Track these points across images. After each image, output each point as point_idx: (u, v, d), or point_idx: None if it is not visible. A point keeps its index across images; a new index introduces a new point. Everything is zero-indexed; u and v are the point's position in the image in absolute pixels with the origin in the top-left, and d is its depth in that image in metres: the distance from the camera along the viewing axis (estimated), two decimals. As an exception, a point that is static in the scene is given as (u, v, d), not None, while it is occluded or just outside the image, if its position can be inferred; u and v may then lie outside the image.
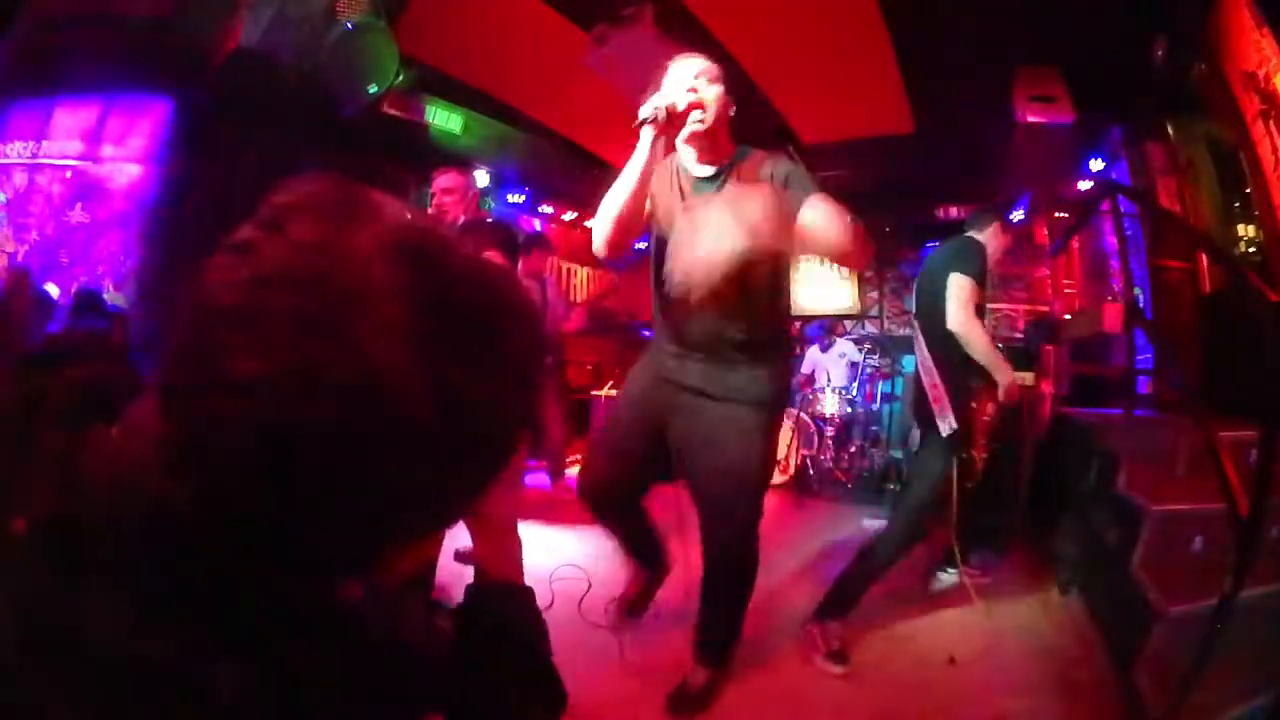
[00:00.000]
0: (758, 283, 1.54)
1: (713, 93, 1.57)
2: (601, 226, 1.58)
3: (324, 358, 0.31)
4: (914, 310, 2.35)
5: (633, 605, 2.13)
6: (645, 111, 1.46)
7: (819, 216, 1.45)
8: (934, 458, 2.18)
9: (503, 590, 0.57)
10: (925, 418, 2.20)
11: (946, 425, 2.07)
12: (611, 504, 1.88)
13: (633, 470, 1.82)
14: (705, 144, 1.60)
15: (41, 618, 0.31)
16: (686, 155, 1.64)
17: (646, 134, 1.47)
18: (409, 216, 0.37)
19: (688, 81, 1.54)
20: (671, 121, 1.48)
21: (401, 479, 0.34)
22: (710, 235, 1.33)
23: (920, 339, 2.24)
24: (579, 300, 6.37)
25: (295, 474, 0.31)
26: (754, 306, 1.60)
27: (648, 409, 1.77)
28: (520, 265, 3.65)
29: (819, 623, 2.08)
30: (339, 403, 0.31)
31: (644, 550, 2.03)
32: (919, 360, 2.24)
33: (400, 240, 0.34)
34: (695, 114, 1.51)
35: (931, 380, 2.13)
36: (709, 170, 1.63)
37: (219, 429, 0.31)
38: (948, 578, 2.70)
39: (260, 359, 0.30)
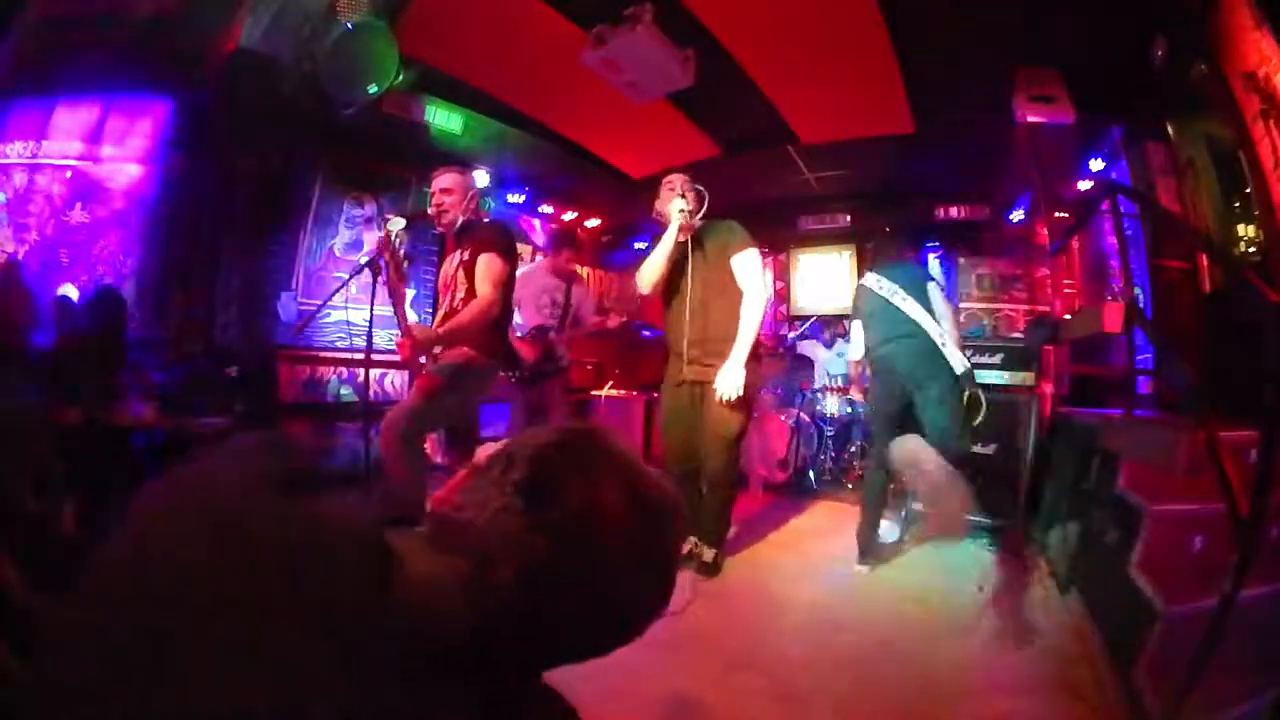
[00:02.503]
0: (717, 304, 2.68)
1: (697, 201, 2.76)
2: (648, 281, 2.73)
3: (582, 570, 0.54)
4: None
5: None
6: (681, 212, 2.65)
7: (741, 269, 2.69)
8: (954, 394, 2.64)
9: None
10: (932, 370, 2.65)
11: (961, 362, 2.64)
12: (681, 478, 2.73)
13: (690, 453, 2.75)
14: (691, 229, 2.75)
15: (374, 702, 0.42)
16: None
17: (676, 225, 2.64)
18: (631, 459, 0.60)
19: (684, 199, 2.69)
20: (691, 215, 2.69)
21: (614, 628, 0.58)
22: (687, 279, 2.72)
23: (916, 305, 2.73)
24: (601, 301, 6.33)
25: (553, 627, 0.54)
26: (717, 322, 2.67)
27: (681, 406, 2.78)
28: (549, 264, 3.64)
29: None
30: (589, 593, 0.55)
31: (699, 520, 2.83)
32: (922, 320, 2.69)
33: (632, 491, 0.57)
34: (693, 218, 2.71)
35: (940, 331, 2.66)
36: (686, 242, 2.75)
37: (510, 600, 0.52)
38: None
39: (543, 573, 0.52)
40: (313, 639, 0.40)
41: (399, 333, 2.30)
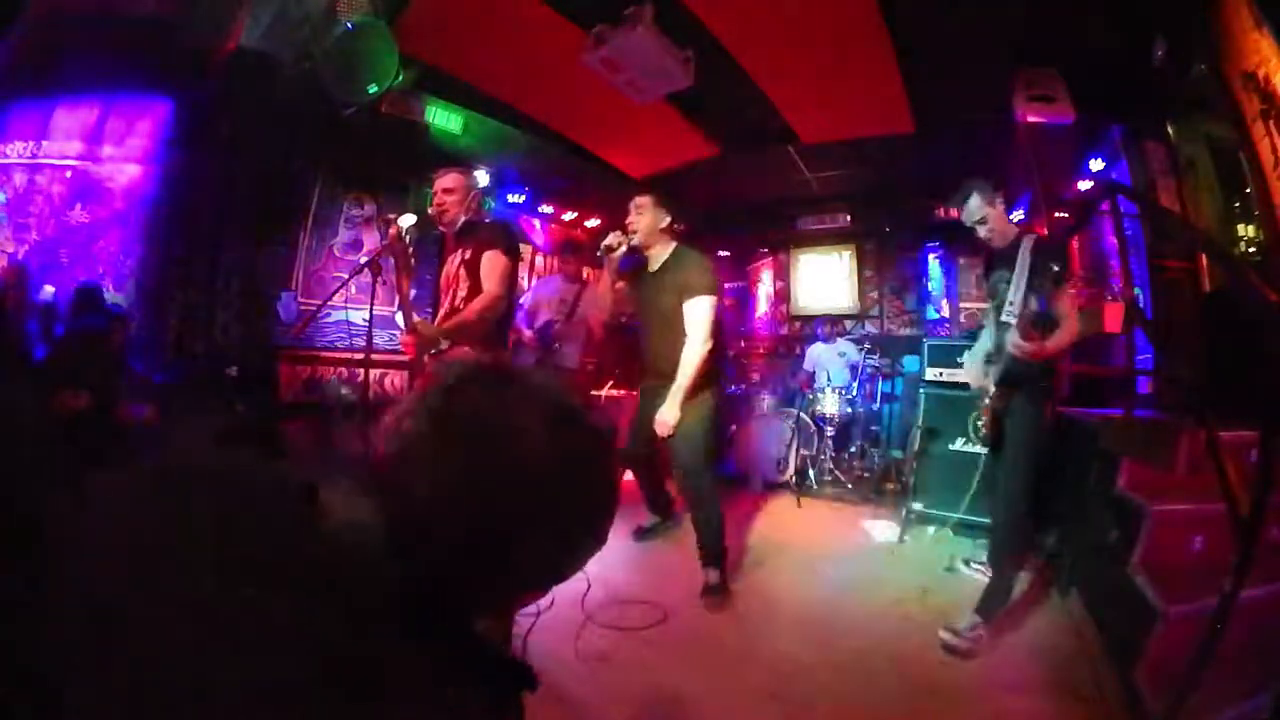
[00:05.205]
0: (677, 329, 2.52)
1: (643, 221, 2.59)
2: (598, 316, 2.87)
3: (506, 495, 0.52)
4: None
5: (642, 533, 3.17)
6: (600, 250, 2.58)
7: (688, 315, 2.53)
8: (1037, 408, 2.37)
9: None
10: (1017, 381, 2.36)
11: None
12: (634, 463, 2.96)
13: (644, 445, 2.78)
14: (647, 248, 2.66)
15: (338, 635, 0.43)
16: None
17: (605, 260, 2.60)
18: (547, 382, 0.59)
19: (629, 216, 2.61)
20: (611, 250, 2.57)
21: (543, 561, 0.57)
22: (653, 302, 2.65)
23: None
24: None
25: (482, 549, 0.52)
26: (666, 355, 2.56)
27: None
28: (559, 268, 3.74)
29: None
30: (510, 510, 0.53)
31: (655, 500, 3.18)
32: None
33: (549, 407, 0.56)
34: (631, 238, 2.59)
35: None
36: (653, 265, 2.68)
37: (427, 525, 0.51)
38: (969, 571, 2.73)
39: (454, 492, 0.51)
40: (250, 592, 0.41)
41: (403, 329, 2.27)
